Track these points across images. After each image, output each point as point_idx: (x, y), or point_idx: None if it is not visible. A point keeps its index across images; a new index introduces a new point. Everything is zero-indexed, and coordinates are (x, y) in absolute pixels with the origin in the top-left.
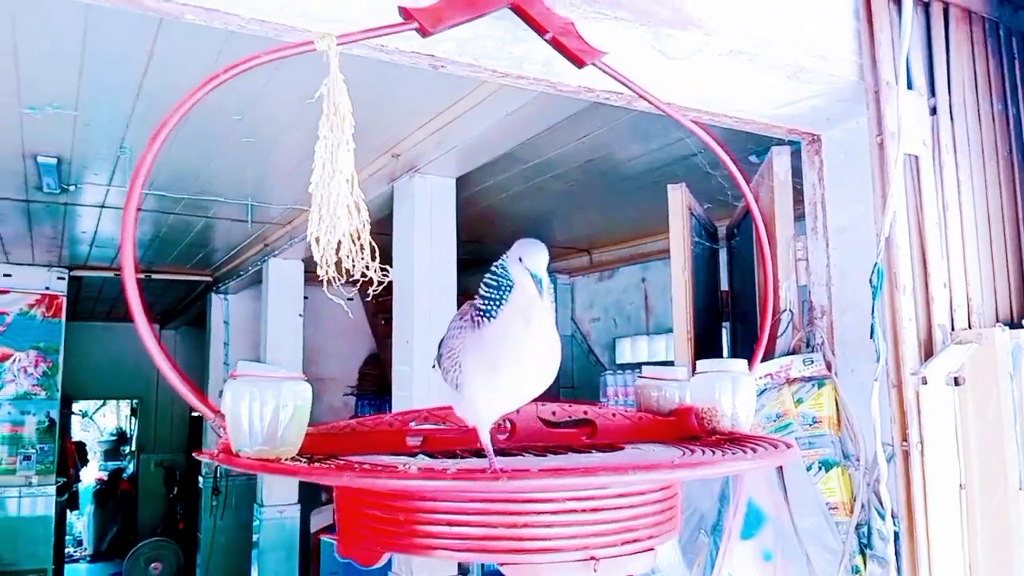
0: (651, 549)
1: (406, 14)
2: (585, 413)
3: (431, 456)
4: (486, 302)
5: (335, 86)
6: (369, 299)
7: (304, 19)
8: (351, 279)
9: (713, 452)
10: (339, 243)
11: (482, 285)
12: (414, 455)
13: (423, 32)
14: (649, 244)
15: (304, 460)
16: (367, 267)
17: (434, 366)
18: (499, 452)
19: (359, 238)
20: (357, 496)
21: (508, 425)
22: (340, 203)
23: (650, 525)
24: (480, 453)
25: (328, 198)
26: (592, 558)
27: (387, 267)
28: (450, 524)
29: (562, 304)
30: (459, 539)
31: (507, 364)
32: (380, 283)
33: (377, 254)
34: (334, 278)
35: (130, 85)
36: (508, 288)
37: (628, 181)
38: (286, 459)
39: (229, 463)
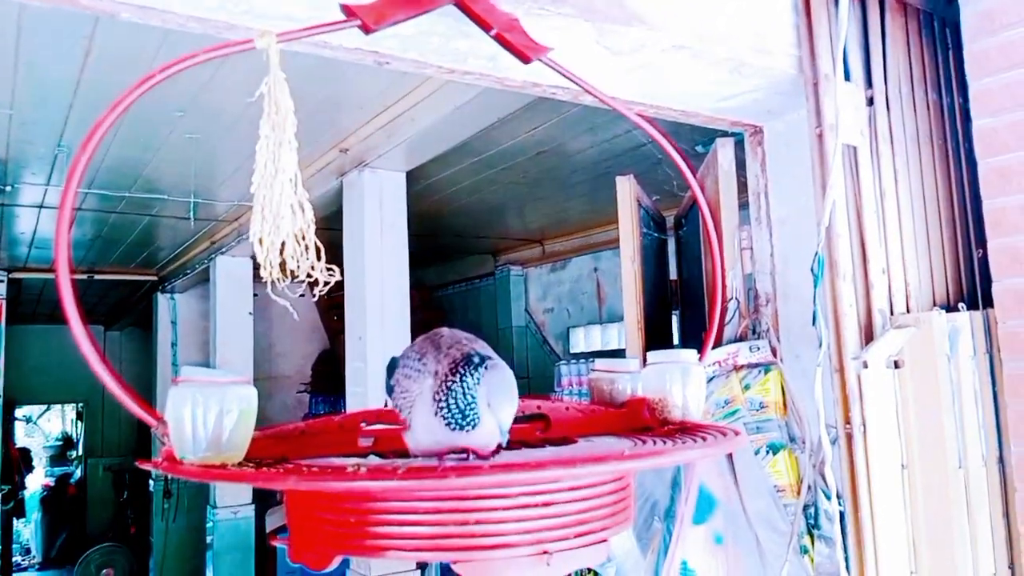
0: (604, 540)
1: (348, 11)
2: (538, 408)
3: (382, 456)
4: (450, 413)
5: (276, 84)
6: (320, 296)
7: (245, 16)
8: (296, 279)
9: (664, 442)
10: (283, 244)
11: (450, 394)
12: (365, 456)
13: (365, 29)
14: (601, 234)
15: (251, 464)
16: (312, 267)
17: (388, 391)
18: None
19: (303, 238)
20: (308, 499)
21: None
22: (283, 203)
23: (603, 517)
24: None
25: (271, 198)
26: (545, 552)
27: (333, 267)
28: (402, 524)
29: (516, 296)
30: (411, 539)
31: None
32: (327, 283)
33: (323, 254)
34: (278, 279)
35: (67, 83)
36: (474, 422)
37: (579, 172)
38: (232, 464)
39: (173, 471)
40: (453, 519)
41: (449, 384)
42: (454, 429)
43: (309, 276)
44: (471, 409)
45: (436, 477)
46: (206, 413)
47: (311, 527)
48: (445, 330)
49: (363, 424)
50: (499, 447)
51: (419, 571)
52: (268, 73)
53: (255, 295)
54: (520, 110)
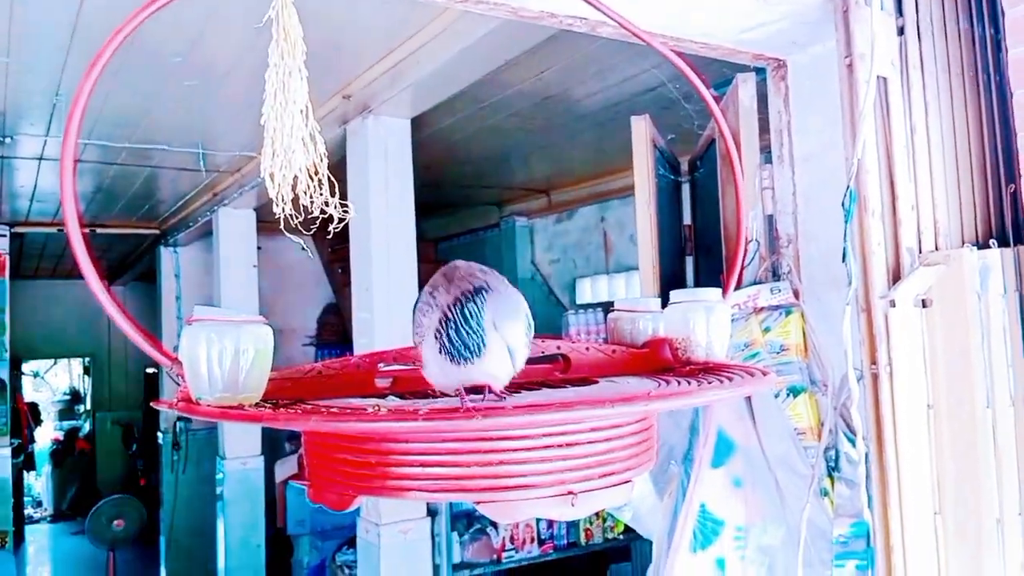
0: (628, 481)
1: None
2: (558, 348)
3: (401, 397)
4: (453, 348)
5: (284, 8)
6: (327, 245)
7: None
8: (310, 216)
9: (688, 382)
10: (295, 178)
11: (452, 330)
12: (384, 396)
13: None
14: (607, 183)
15: (268, 405)
16: (326, 203)
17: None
18: (471, 389)
19: (316, 172)
20: (327, 441)
21: None
22: (295, 135)
23: (627, 458)
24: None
25: (281, 131)
26: (569, 492)
27: (347, 203)
28: (424, 465)
29: (522, 247)
30: (433, 479)
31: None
32: (341, 220)
33: (336, 189)
34: (291, 216)
35: (63, 26)
36: (477, 351)
37: (586, 119)
38: (249, 405)
39: (189, 411)
40: (476, 460)
41: (448, 316)
42: (459, 363)
43: (323, 212)
44: (472, 338)
45: (460, 418)
46: (222, 352)
47: (331, 468)
48: (461, 263)
49: (381, 365)
50: (516, 386)
51: (429, 517)
52: None
53: (259, 248)
54: (528, 52)
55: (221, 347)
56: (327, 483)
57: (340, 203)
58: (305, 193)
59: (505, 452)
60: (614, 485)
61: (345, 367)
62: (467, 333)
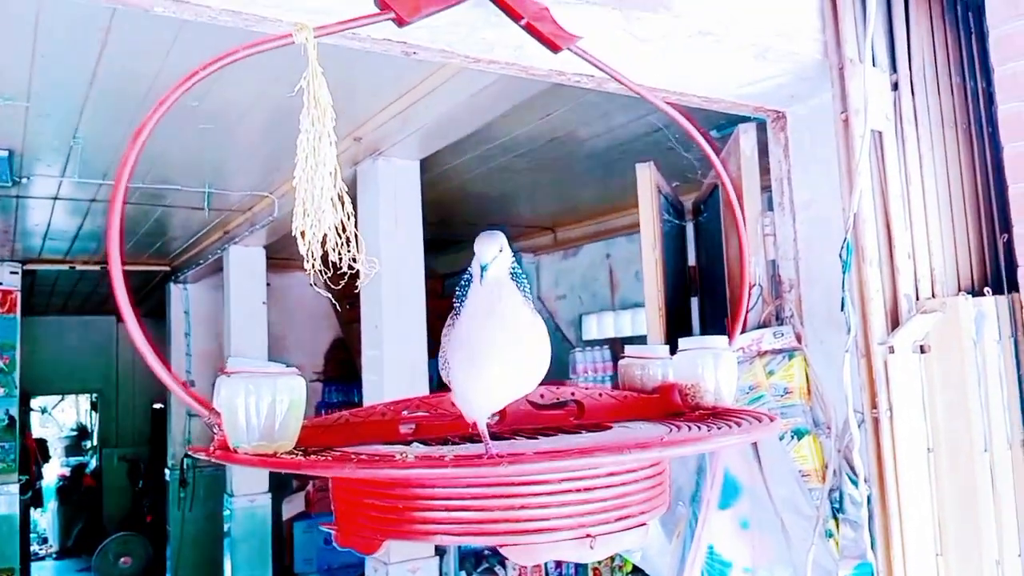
0: (643, 524)
1: (382, 4)
2: (572, 394)
3: (425, 443)
4: (456, 300)
5: (315, 79)
6: (330, 285)
7: (275, 9)
8: (338, 272)
9: (699, 427)
10: (324, 236)
11: (461, 283)
12: (408, 443)
13: (399, 22)
14: (613, 221)
15: (300, 453)
16: (353, 259)
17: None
18: (492, 436)
19: (344, 230)
20: (354, 486)
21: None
22: (324, 196)
23: (642, 501)
24: (471, 438)
25: (312, 192)
26: (588, 535)
27: (374, 259)
28: (448, 509)
29: (529, 283)
30: (458, 523)
31: (479, 356)
32: (367, 275)
33: (364, 246)
34: (320, 271)
35: (83, 75)
36: (467, 283)
37: (591, 159)
38: (283, 453)
39: (227, 460)
40: (499, 504)
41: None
42: (460, 301)
43: (350, 268)
44: (468, 273)
45: (486, 464)
46: (258, 402)
47: (358, 513)
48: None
49: (405, 412)
50: (534, 432)
51: (438, 556)
52: (307, 67)
53: (268, 284)
54: (534, 97)
55: (258, 398)
56: (354, 528)
57: (368, 259)
58: (334, 250)
59: (527, 496)
60: (630, 528)
61: (371, 415)
62: (462, 279)
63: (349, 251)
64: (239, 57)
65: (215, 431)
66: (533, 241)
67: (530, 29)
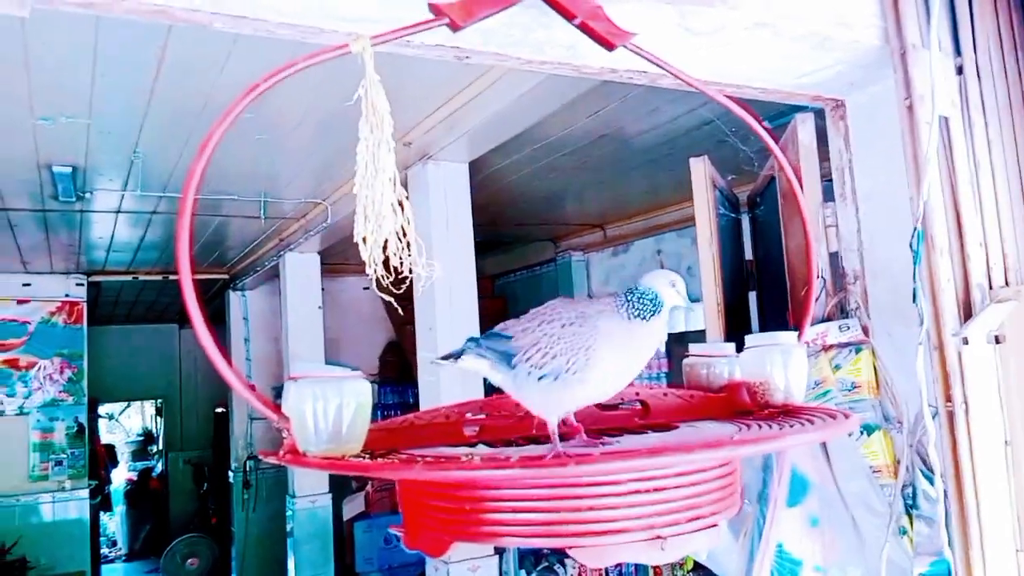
0: (715, 525)
1: (436, 10)
2: (637, 395)
3: (490, 445)
4: (640, 309)
5: (372, 87)
6: (383, 287)
7: (332, 20)
8: (400, 276)
9: (770, 426)
10: (385, 241)
11: (633, 300)
12: (473, 445)
13: (454, 27)
14: (663, 216)
15: (367, 456)
16: (413, 263)
17: (512, 364)
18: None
19: (404, 235)
20: (421, 488)
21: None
22: (384, 202)
23: (713, 501)
24: (536, 440)
25: (372, 198)
26: (658, 537)
27: (433, 262)
28: (516, 511)
29: (578, 281)
30: (525, 525)
31: (635, 359)
32: (427, 279)
33: (423, 250)
34: (382, 276)
35: (142, 91)
36: (661, 305)
37: (640, 155)
38: (351, 456)
39: (297, 463)
40: (566, 505)
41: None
42: (649, 313)
43: (411, 271)
44: (658, 295)
45: (553, 465)
46: (326, 407)
47: (426, 515)
48: (555, 301)
49: (468, 415)
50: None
51: (497, 555)
52: (364, 76)
53: (322, 289)
54: (581, 95)
55: (325, 402)
56: (422, 530)
57: (427, 262)
58: (395, 255)
59: (595, 498)
60: (702, 529)
61: (435, 418)
62: (650, 295)
63: (409, 255)
64: (299, 68)
65: (284, 436)
66: (582, 239)
67: (584, 28)
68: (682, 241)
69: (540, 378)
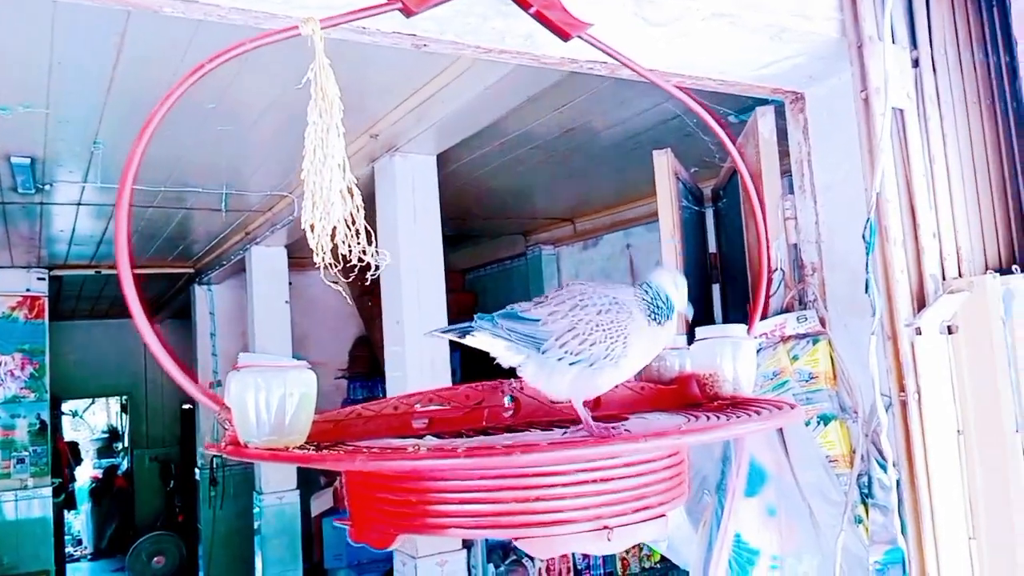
0: (662, 515)
1: None
2: None
3: (439, 437)
4: (658, 312)
5: (321, 71)
6: (353, 281)
7: (284, 5)
8: (348, 264)
9: (718, 417)
10: (334, 229)
11: (651, 300)
12: (421, 437)
13: (407, 12)
14: (632, 210)
15: (312, 447)
16: (363, 251)
17: (542, 350)
18: (505, 429)
19: (354, 223)
20: (368, 480)
21: (512, 402)
22: (333, 188)
23: (660, 492)
24: (486, 431)
25: (321, 184)
26: (605, 527)
27: (384, 251)
28: (462, 502)
29: (548, 275)
30: (472, 516)
31: (649, 354)
32: (377, 267)
33: (374, 237)
34: (330, 264)
35: (101, 79)
36: (672, 310)
37: (608, 149)
38: (294, 447)
39: (238, 455)
40: (513, 496)
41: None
42: (665, 316)
43: (360, 260)
44: (670, 300)
45: (499, 454)
46: (268, 397)
47: (372, 508)
48: (575, 286)
49: (417, 406)
50: (547, 423)
51: (465, 549)
52: (313, 59)
53: (290, 283)
54: (549, 88)
55: (268, 392)
56: (368, 523)
57: (377, 251)
58: (344, 242)
59: (541, 488)
60: (649, 519)
61: (383, 409)
62: (663, 298)
63: (359, 244)
64: (246, 49)
65: (226, 427)
66: (552, 232)
67: (540, 17)
68: (651, 235)
69: (572, 363)
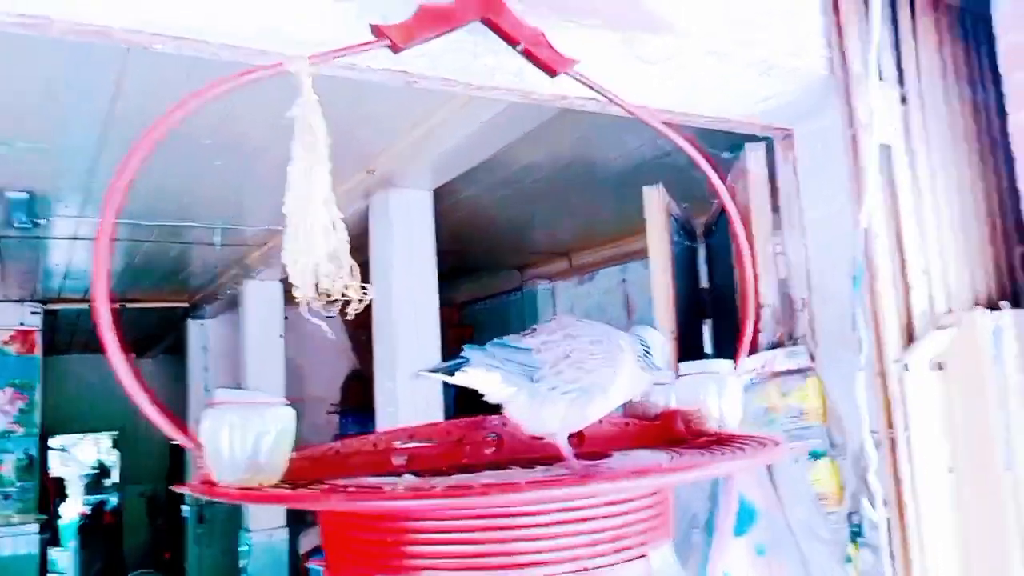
0: (644, 556)
1: (377, 31)
2: None
3: (417, 475)
4: (645, 357)
5: (308, 107)
6: (348, 316)
7: (275, 43)
8: (331, 300)
9: (702, 454)
10: (316, 265)
11: (641, 342)
12: (400, 475)
13: (394, 48)
14: (628, 245)
15: (288, 486)
16: (346, 287)
17: (535, 379)
18: (487, 466)
19: (338, 258)
20: (343, 520)
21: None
22: (317, 224)
23: (641, 532)
24: (467, 468)
25: (304, 219)
26: (584, 569)
27: (367, 286)
28: (438, 543)
29: (543, 310)
30: (448, 557)
31: (633, 393)
32: (360, 302)
33: (357, 273)
34: (311, 300)
35: (99, 115)
36: (653, 367)
37: (605, 184)
38: (269, 486)
39: (210, 494)
40: (491, 537)
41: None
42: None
43: (344, 296)
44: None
45: (476, 494)
46: (243, 435)
47: (348, 548)
48: (565, 318)
49: (397, 443)
50: (529, 461)
51: None
52: (300, 96)
53: (286, 318)
54: (545, 123)
55: (243, 430)
56: (344, 563)
57: (360, 286)
58: (327, 277)
59: (520, 528)
60: (630, 560)
61: (362, 446)
62: (652, 357)
63: (341, 279)
64: (232, 86)
65: (198, 464)
66: (548, 267)
67: (527, 54)
68: (646, 271)
69: (564, 392)
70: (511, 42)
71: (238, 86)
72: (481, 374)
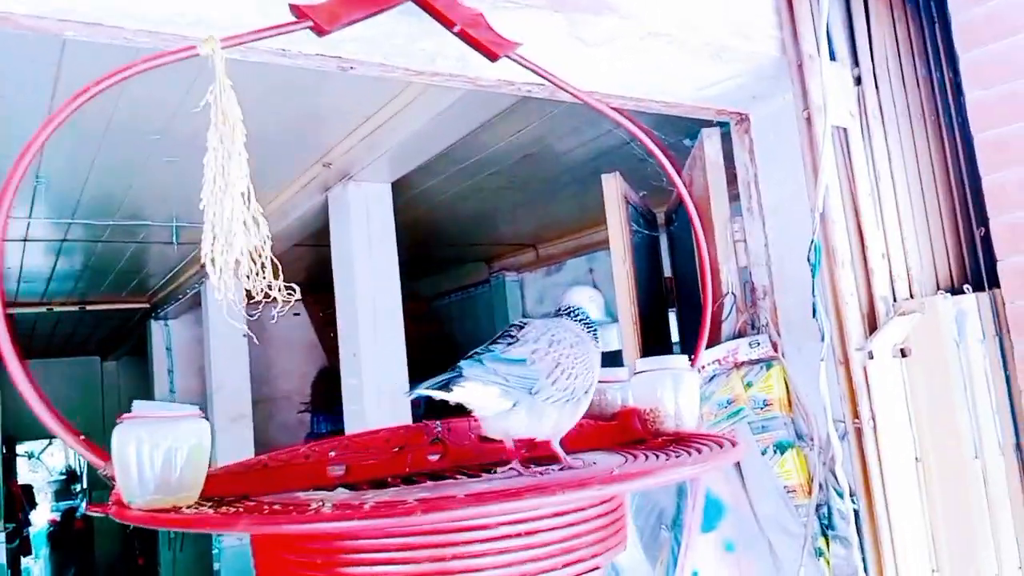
0: (597, 568)
1: (298, 12)
2: None
3: (352, 488)
4: (595, 333)
5: (222, 93)
6: (318, 309)
7: (195, 28)
8: (253, 300)
9: (656, 456)
10: (237, 262)
11: (588, 323)
12: (333, 488)
13: (319, 31)
14: (594, 235)
15: (209, 505)
16: (269, 287)
17: (534, 391)
18: (431, 476)
19: (260, 256)
20: (271, 540)
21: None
22: (235, 219)
23: (592, 543)
24: (410, 479)
25: (221, 214)
26: None
27: (292, 286)
28: (373, 563)
29: (512, 301)
30: None
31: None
32: (286, 303)
33: (280, 272)
34: (234, 301)
35: (39, 111)
36: (595, 325)
37: (567, 173)
38: (186, 506)
39: (121, 517)
40: (428, 555)
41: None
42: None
43: (267, 296)
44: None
45: (402, 513)
46: (152, 452)
47: (277, 568)
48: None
49: (332, 453)
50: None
51: None
52: (214, 81)
53: (250, 316)
54: (503, 113)
55: (152, 446)
56: None
57: (285, 285)
58: (248, 277)
59: (457, 545)
60: (582, 573)
61: (293, 458)
62: (588, 320)
63: (265, 278)
64: (139, 70)
65: (112, 484)
66: (515, 259)
67: (465, 36)
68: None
69: (558, 401)
70: (447, 24)
71: (143, 71)
72: (479, 388)
